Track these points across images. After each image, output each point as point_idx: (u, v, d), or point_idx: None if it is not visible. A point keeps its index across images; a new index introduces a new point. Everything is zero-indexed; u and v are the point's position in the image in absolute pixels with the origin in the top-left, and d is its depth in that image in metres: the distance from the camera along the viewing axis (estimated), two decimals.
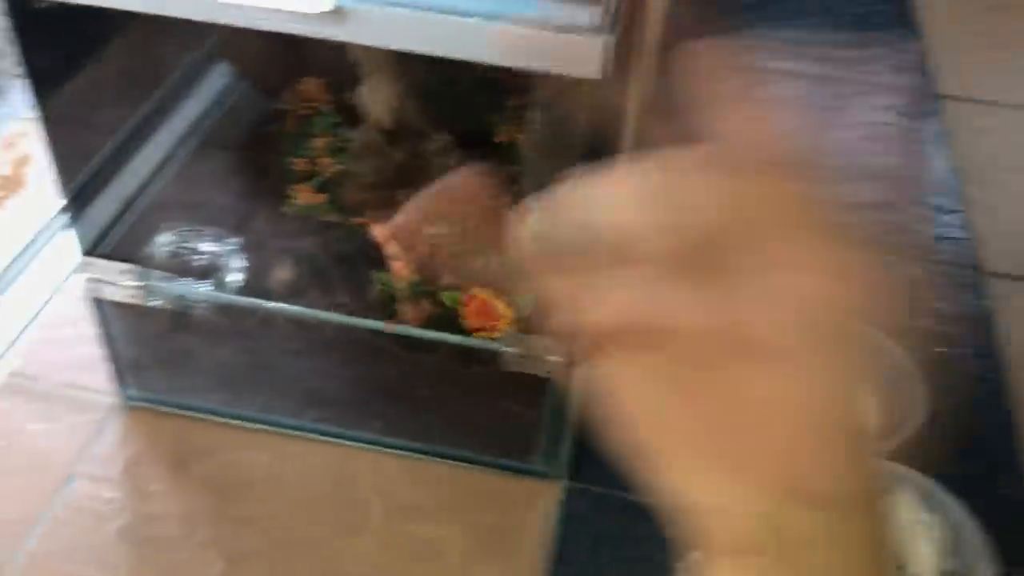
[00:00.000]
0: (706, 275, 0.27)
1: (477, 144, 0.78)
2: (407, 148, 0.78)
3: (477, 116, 0.80)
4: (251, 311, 0.71)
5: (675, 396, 0.29)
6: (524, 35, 0.48)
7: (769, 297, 0.27)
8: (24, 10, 0.57)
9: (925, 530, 0.64)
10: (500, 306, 0.68)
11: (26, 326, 0.84)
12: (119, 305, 0.71)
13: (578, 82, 0.49)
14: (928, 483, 0.65)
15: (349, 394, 0.76)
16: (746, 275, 0.27)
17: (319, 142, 0.82)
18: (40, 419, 0.76)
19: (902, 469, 0.66)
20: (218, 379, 0.77)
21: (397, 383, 0.74)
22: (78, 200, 0.68)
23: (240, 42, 0.80)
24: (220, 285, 0.71)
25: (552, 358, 0.66)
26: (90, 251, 0.70)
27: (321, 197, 0.78)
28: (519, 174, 0.66)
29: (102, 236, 0.71)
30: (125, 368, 0.76)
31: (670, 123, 0.31)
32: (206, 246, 0.73)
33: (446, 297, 0.70)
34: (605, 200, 0.28)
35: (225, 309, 0.72)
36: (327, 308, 0.70)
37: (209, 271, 0.72)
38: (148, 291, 0.70)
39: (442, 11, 0.49)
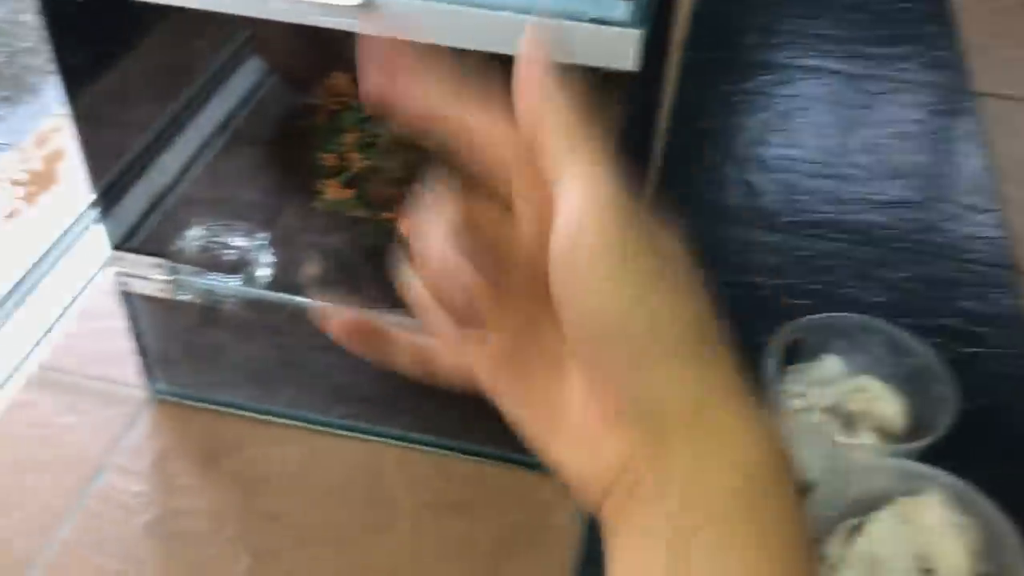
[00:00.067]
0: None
1: None
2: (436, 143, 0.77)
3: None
4: (280, 306, 0.71)
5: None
6: (558, 28, 0.48)
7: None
8: (57, 8, 0.57)
9: (958, 532, 0.63)
10: None
11: (57, 320, 0.84)
12: (149, 299, 0.72)
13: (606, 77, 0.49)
14: (961, 485, 0.64)
15: (377, 390, 0.76)
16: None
17: (348, 137, 0.82)
18: (70, 412, 0.77)
19: (934, 471, 0.65)
20: (247, 374, 0.77)
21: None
22: (109, 195, 0.68)
23: (271, 36, 0.80)
24: (249, 280, 0.71)
25: None
26: (120, 245, 0.70)
27: (350, 192, 0.78)
28: None
29: (132, 231, 0.72)
30: (154, 362, 0.77)
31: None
32: (235, 241, 0.73)
33: None
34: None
35: (254, 304, 0.72)
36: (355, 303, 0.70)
37: (238, 266, 0.72)
38: (177, 285, 0.71)
39: (474, 4, 0.49)
